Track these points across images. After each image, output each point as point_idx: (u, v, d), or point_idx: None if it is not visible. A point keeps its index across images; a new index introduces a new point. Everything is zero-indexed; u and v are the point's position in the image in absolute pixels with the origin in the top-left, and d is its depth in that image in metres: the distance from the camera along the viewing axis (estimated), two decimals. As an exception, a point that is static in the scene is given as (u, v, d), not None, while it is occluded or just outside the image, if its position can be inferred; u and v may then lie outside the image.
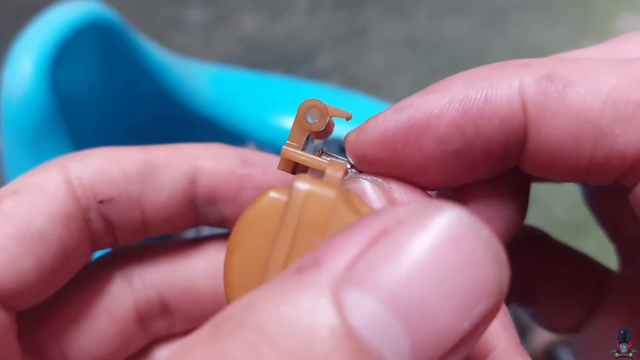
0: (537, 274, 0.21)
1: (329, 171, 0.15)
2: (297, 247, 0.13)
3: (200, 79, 0.52)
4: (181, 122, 0.48)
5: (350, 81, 0.66)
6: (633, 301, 0.20)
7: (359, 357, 0.10)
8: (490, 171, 0.16)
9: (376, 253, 0.11)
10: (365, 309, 0.10)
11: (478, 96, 0.14)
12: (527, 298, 0.22)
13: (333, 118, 0.16)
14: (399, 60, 0.69)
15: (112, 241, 0.19)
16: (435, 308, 0.10)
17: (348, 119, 0.16)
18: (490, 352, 0.14)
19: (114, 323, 0.18)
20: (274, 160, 0.19)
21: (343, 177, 0.15)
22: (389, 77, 0.67)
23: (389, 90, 0.65)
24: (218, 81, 0.53)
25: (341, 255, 0.11)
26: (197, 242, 0.20)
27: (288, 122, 0.50)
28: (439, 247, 0.10)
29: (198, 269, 0.19)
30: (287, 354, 0.10)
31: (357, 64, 0.69)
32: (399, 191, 0.16)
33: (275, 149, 0.45)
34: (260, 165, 0.19)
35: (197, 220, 0.19)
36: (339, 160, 0.16)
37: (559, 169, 0.15)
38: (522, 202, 0.17)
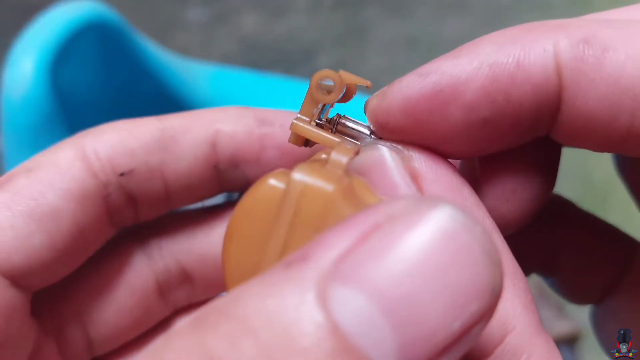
0: (561, 243, 0.20)
1: (333, 156, 0.14)
2: (292, 240, 0.13)
3: (200, 78, 0.52)
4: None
5: (350, 81, 0.66)
6: None
7: (342, 354, 0.09)
8: (518, 140, 0.15)
9: (366, 248, 0.10)
10: (352, 306, 0.10)
11: (509, 61, 0.13)
12: (550, 267, 0.21)
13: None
14: (399, 60, 0.69)
15: (135, 216, 0.18)
16: (426, 306, 0.10)
17: (368, 86, 0.15)
18: (508, 334, 0.13)
19: (133, 295, 0.18)
20: (293, 118, 0.19)
21: (349, 161, 0.14)
22: (389, 77, 0.67)
23: (389, 90, 0.65)
24: (218, 81, 0.53)
25: (329, 250, 0.10)
26: (213, 210, 0.20)
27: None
28: (431, 243, 0.10)
29: (216, 236, 0.19)
30: (267, 347, 0.09)
31: (357, 64, 0.69)
32: (420, 160, 0.15)
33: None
34: (278, 124, 0.18)
35: (221, 187, 0.19)
36: (358, 127, 0.15)
37: (593, 139, 0.14)
38: (550, 171, 0.16)
